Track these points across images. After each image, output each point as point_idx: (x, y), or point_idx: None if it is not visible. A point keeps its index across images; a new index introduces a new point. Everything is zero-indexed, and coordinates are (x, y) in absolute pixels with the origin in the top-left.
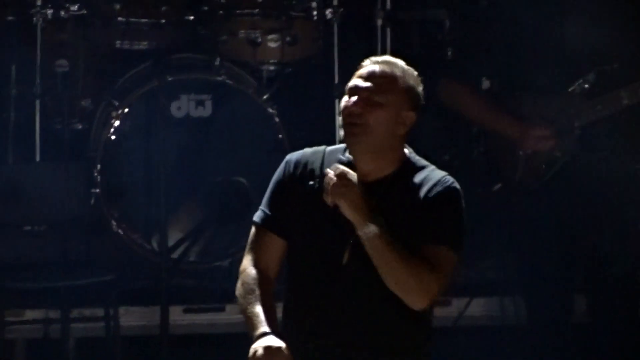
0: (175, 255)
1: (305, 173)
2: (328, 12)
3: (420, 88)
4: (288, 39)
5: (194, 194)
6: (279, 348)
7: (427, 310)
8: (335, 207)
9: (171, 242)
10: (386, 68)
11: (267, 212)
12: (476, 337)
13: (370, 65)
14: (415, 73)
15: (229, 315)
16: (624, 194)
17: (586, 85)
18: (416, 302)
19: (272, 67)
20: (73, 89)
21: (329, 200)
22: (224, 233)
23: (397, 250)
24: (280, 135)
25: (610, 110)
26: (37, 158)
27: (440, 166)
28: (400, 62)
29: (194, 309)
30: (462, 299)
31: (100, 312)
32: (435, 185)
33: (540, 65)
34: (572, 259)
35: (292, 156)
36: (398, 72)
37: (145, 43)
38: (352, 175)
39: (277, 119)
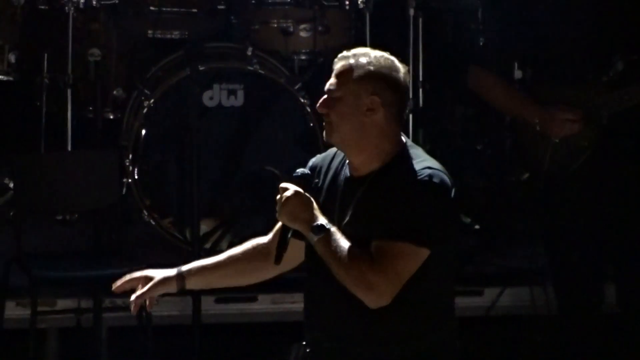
0: (207, 244)
1: (318, 172)
2: (360, 2)
3: (394, 72)
4: (320, 28)
5: (226, 184)
6: (147, 277)
7: (429, 297)
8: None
9: (203, 232)
10: (343, 62)
11: None
12: (506, 327)
13: (335, 64)
14: (389, 58)
15: (261, 305)
16: None
17: (614, 75)
18: (366, 300)
19: (304, 57)
20: (105, 78)
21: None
22: (256, 222)
23: (339, 252)
24: (312, 125)
25: (638, 100)
26: (69, 147)
27: (473, 155)
28: (361, 51)
29: (226, 299)
30: (494, 288)
31: None
32: (407, 178)
33: (570, 55)
34: (602, 249)
35: (312, 159)
36: (352, 62)
37: (177, 32)
38: (291, 190)
39: (309, 109)
